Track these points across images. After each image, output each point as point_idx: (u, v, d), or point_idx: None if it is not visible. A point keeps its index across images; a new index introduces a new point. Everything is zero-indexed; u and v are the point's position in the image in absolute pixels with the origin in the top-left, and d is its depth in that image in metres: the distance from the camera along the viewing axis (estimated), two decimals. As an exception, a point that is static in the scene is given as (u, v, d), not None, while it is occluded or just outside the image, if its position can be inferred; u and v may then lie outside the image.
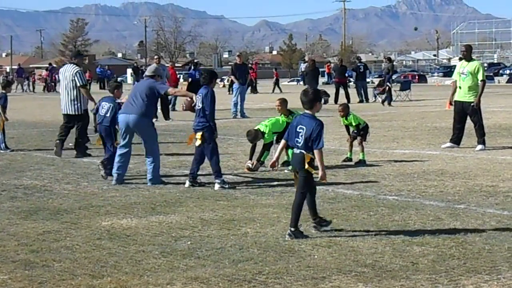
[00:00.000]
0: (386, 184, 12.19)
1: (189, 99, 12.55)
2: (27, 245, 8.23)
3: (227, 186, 11.92)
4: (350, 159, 14.91)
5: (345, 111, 15.08)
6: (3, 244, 8.27)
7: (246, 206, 10.46)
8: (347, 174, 13.37)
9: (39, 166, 14.72)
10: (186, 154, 16.45)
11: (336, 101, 36.72)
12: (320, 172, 8.60)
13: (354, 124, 14.89)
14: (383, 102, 35.21)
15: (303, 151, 8.59)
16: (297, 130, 8.69)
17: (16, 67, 76.98)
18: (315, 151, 8.58)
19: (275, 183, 12.53)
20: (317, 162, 8.62)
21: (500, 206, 10.25)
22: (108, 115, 13.51)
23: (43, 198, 11.26)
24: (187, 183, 12.19)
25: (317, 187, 11.85)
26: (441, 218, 9.46)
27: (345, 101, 29.74)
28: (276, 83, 58.22)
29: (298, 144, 8.66)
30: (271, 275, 6.97)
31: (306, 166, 8.57)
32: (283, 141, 9.14)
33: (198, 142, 12.18)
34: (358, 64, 40.58)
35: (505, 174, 13.04)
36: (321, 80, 54.70)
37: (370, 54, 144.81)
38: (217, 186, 11.92)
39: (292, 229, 8.53)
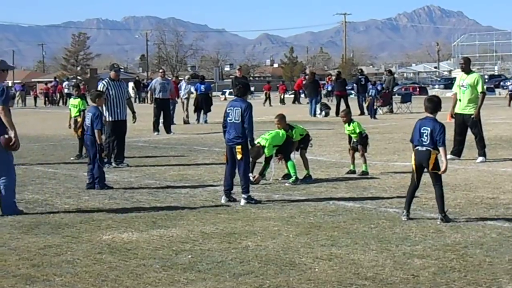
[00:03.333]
0: (387, 196, 12.20)
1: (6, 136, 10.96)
2: (28, 260, 8.23)
3: (253, 202, 11.79)
4: (353, 172, 14.92)
5: (348, 116, 15.15)
6: (4, 259, 8.28)
7: (247, 219, 10.47)
8: (348, 187, 13.38)
9: (40, 180, 14.74)
10: (186, 166, 16.50)
11: (337, 113, 36.74)
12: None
13: (357, 131, 14.92)
14: (384, 112, 35.35)
15: (429, 148, 10.05)
16: (422, 131, 10.16)
17: (18, 81, 77.07)
18: (440, 148, 10.09)
19: (276, 196, 12.53)
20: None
21: (501, 218, 10.26)
22: (90, 125, 13.74)
23: (44, 212, 11.26)
24: (224, 199, 12.03)
25: (318, 201, 11.91)
26: (442, 231, 9.46)
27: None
28: (269, 97, 58.23)
29: (424, 143, 10.08)
30: (271, 289, 6.97)
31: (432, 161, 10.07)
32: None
33: (239, 156, 11.95)
34: (359, 76, 40.66)
35: (506, 186, 13.05)
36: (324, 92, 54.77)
37: (371, 66, 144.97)
38: (243, 202, 11.75)
39: (443, 214, 9.98)
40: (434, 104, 10.50)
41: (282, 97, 60.46)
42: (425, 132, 10.13)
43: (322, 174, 15.10)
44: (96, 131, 13.66)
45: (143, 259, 8.22)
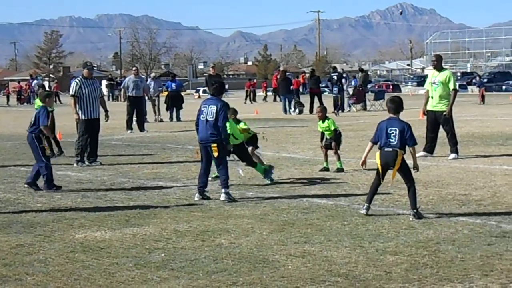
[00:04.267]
0: (360, 193, 12.24)
1: None
2: (0, 259, 8.17)
3: (231, 198, 11.80)
4: (327, 169, 14.95)
5: (323, 113, 15.18)
6: (-25, 258, 8.22)
7: (221, 217, 10.47)
8: (321, 184, 13.41)
9: (12, 179, 14.63)
10: (160, 164, 16.46)
11: (311, 111, 36.84)
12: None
13: (332, 128, 14.95)
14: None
15: (396, 149, 10.16)
16: (389, 131, 10.20)
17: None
18: (413, 148, 10.34)
19: (250, 193, 12.54)
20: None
21: (473, 214, 10.33)
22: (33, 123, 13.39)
23: (16, 211, 11.19)
24: (197, 197, 12.00)
25: (291, 199, 11.93)
26: (414, 227, 9.51)
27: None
28: (252, 93, 58.50)
29: (392, 143, 10.18)
30: (245, 286, 6.98)
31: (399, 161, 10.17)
32: (370, 144, 10.58)
33: (215, 154, 11.92)
34: (332, 74, 40.82)
35: (478, 183, 13.15)
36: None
37: (344, 64, 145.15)
38: (223, 197, 11.77)
39: (415, 210, 10.05)
40: (397, 105, 10.51)
41: (249, 94, 60.40)
42: (392, 133, 10.19)
43: (295, 172, 15.12)
44: (42, 127, 13.34)
45: (116, 257, 8.19)
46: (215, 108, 11.94)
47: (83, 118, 16.93)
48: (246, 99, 58.16)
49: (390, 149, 10.21)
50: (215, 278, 7.26)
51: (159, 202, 11.84)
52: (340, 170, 14.72)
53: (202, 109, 12.08)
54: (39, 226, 10.02)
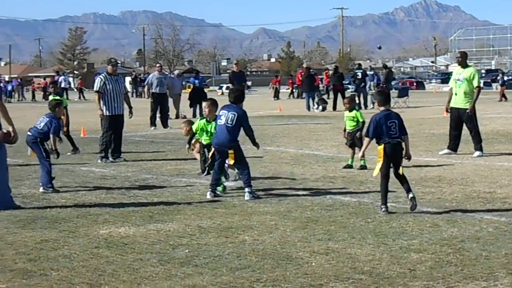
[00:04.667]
0: (384, 191, 12.17)
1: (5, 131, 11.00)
2: (25, 254, 8.23)
3: (255, 196, 11.77)
4: (350, 166, 14.91)
5: (351, 103, 15.18)
6: (1, 253, 8.27)
7: (244, 213, 10.47)
8: (345, 181, 13.38)
9: (37, 175, 14.69)
10: (183, 161, 16.49)
11: (334, 108, 36.80)
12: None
13: (360, 120, 14.91)
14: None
15: (400, 140, 10.42)
16: (389, 124, 10.33)
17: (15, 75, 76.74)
18: (406, 137, 10.54)
19: (273, 190, 12.53)
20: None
21: (498, 212, 10.27)
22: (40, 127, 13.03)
23: (41, 207, 11.26)
24: (209, 194, 11.91)
25: (315, 196, 11.92)
26: (439, 225, 9.47)
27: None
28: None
29: (394, 135, 10.36)
30: (268, 283, 6.98)
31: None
32: (368, 139, 10.63)
33: (232, 161, 12.01)
34: (356, 71, 40.70)
35: (503, 180, 13.07)
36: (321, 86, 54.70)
37: (368, 61, 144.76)
38: (247, 196, 11.70)
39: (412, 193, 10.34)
40: (386, 96, 10.98)
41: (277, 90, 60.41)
42: (392, 125, 10.39)
43: (319, 169, 15.10)
44: (51, 135, 12.98)
45: (140, 253, 8.22)
46: (234, 115, 11.95)
47: (107, 114, 17.02)
48: (274, 96, 58.03)
49: (395, 141, 10.41)
50: (239, 275, 7.26)
51: (183, 198, 11.87)
52: (363, 167, 14.68)
53: (220, 114, 12.10)
54: (64, 221, 10.08)
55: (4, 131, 10.99)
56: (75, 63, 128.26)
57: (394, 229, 9.26)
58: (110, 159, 16.87)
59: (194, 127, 13.67)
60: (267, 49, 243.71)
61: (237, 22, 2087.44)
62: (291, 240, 8.75)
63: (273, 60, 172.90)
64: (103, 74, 17.47)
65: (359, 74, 39.22)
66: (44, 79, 70.21)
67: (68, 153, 18.35)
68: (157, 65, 31.44)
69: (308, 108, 37.84)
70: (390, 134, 10.33)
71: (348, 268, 7.47)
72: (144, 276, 7.26)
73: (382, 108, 10.59)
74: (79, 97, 64.26)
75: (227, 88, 66.92)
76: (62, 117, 17.73)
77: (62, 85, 63.99)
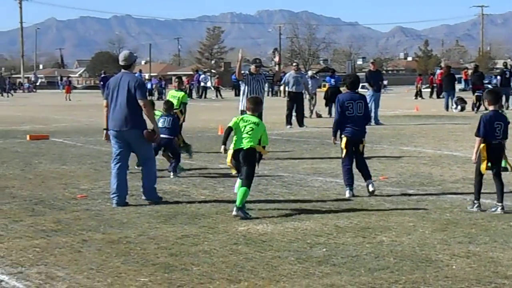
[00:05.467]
0: (527, 194, 11.81)
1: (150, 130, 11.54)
2: (166, 249, 8.44)
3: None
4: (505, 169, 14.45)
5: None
6: (143, 247, 8.52)
7: (382, 214, 10.38)
8: (486, 183, 12.98)
9: (178, 172, 15.05)
10: (319, 160, 16.49)
11: (473, 108, 35.93)
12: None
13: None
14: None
15: (501, 141, 10.59)
16: (495, 125, 10.44)
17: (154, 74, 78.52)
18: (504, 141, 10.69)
19: (411, 191, 12.36)
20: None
21: None
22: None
23: (181, 202, 11.52)
24: (348, 193, 11.89)
25: (454, 197, 11.67)
26: None
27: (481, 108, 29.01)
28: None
29: (498, 137, 10.51)
30: (408, 285, 6.89)
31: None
32: (479, 139, 10.49)
33: (362, 148, 12.33)
34: (504, 69, 39.44)
35: None
36: (458, 86, 53.49)
37: (509, 60, 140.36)
38: (371, 187, 11.93)
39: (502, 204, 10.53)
40: (495, 95, 10.87)
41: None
42: (498, 127, 10.49)
43: (458, 170, 14.79)
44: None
45: (278, 251, 8.28)
46: (362, 103, 12.12)
47: (241, 109, 17.12)
48: (416, 95, 57.04)
49: (497, 142, 10.52)
50: (377, 276, 7.20)
51: (319, 197, 11.88)
52: (504, 169, 14.21)
53: (347, 105, 12.05)
54: (203, 217, 10.28)
55: (149, 130, 11.42)
56: (213, 62, 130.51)
57: (539, 234, 8.95)
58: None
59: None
60: (404, 48, 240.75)
61: (373, 20, 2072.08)
62: (430, 242, 8.61)
63: (409, 59, 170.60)
64: (245, 73, 17.54)
65: (507, 73, 38.02)
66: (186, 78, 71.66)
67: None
68: (294, 64, 31.56)
69: (447, 107, 37.09)
70: (495, 135, 10.48)
71: (490, 272, 7.28)
72: (283, 274, 7.31)
73: (491, 108, 10.65)
74: (216, 96, 65.34)
75: (362, 87, 66.52)
76: (179, 113, 17.87)
77: (202, 84, 65.47)
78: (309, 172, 14.84)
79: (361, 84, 54.73)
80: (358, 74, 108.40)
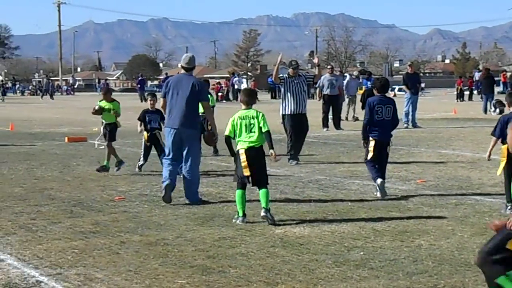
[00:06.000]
0: None
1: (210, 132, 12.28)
2: (203, 251, 8.46)
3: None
4: None
5: None
6: (181, 249, 8.55)
7: (419, 217, 10.31)
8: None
9: (213, 173, 15.11)
10: (356, 163, 16.43)
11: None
12: None
13: None
14: None
15: None
16: None
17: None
18: None
19: (449, 195, 12.26)
20: None
21: None
22: None
23: (218, 205, 11.54)
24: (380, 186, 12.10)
25: (493, 201, 11.54)
26: None
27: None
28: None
29: None
30: (446, 289, 6.84)
31: None
32: (494, 139, 10.82)
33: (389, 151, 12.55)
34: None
35: None
36: (497, 89, 53.00)
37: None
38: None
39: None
40: None
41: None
42: None
43: (496, 173, 14.61)
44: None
45: (315, 254, 8.27)
46: (391, 107, 12.34)
47: (288, 113, 17.13)
48: (457, 98, 56.58)
49: None
50: (416, 280, 7.16)
51: (356, 200, 11.83)
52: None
53: (376, 109, 12.25)
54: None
55: (209, 132, 12.07)
56: (249, 64, 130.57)
57: None
58: (294, 161, 16.90)
59: None
60: (441, 50, 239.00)
61: (410, 22, 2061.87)
62: (469, 246, 8.54)
63: (447, 61, 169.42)
64: (284, 76, 17.45)
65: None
66: (219, 83, 71.77)
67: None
68: (328, 67, 31.46)
69: (485, 110, 36.75)
70: None
71: (531, 278, 7.18)
72: (320, 277, 7.30)
73: (510, 110, 10.86)
74: (253, 98, 65.28)
75: (399, 90, 66.16)
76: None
77: (236, 86, 65.56)
78: (346, 175, 14.79)
79: (398, 87, 54.54)
80: (395, 76, 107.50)
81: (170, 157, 11.82)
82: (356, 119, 32.49)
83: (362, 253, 8.28)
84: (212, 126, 12.15)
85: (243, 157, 10.23)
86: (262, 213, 10.05)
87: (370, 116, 12.23)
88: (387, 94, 12.71)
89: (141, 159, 15.53)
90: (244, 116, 10.35)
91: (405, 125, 27.37)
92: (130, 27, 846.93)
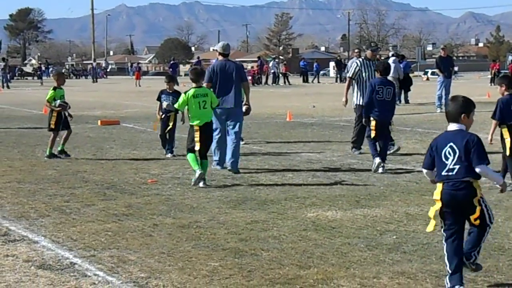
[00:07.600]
0: None
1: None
2: (236, 234, 8.48)
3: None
4: None
5: None
6: (213, 232, 8.57)
7: (453, 202, 10.22)
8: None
9: (245, 157, 15.11)
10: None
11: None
12: None
13: None
14: None
15: None
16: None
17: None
18: None
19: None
20: None
21: None
22: None
23: (250, 188, 11.55)
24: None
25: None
26: None
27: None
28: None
29: None
30: (480, 273, 6.77)
31: None
32: (494, 122, 11.06)
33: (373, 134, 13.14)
34: None
35: None
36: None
37: None
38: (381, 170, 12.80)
39: None
40: (510, 80, 11.35)
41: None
42: None
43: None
44: None
45: (347, 237, 8.25)
46: (391, 89, 13.20)
47: (358, 103, 15.68)
48: (491, 81, 56.08)
49: None
50: (449, 264, 7.10)
51: (389, 184, 11.79)
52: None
53: (377, 89, 13.06)
54: (272, 203, 10.29)
55: (249, 107, 13.78)
56: (281, 48, 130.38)
57: None
58: (357, 151, 15.67)
59: None
60: (475, 34, 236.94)
61: (444, 6, 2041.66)
62: (503, 231, 8.48)
63: (481, 45, 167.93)
64: (359, 60, 16.16)
65: None
66: (252, 68, 71.74)
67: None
68: (356, 50, 31.19)
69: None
70: None
71: None
72: (352, 261, 7.28)
73: (507, 93, 11.10)
74: (284, 82, 65.25)
75: (432, 73, 65.75)
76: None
77: (272, 71, 65.58)
78: (392, 160, 14.68)
79: (431, 71, 54.23)
80: (428, 60, 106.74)
81: (218, 134, 13.14)
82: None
83: (394, 237, 8.25)
84: (247, 101, 13.73)
85: (197, 134, 11.58)
86: (202, 183, 11.47)
87: (371, 96, 13.08)
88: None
89: (164, 150, 15.50)
90: (196, 94, 11.69)
91: (438, 109, 27.10)
92: (162, 10, 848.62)
